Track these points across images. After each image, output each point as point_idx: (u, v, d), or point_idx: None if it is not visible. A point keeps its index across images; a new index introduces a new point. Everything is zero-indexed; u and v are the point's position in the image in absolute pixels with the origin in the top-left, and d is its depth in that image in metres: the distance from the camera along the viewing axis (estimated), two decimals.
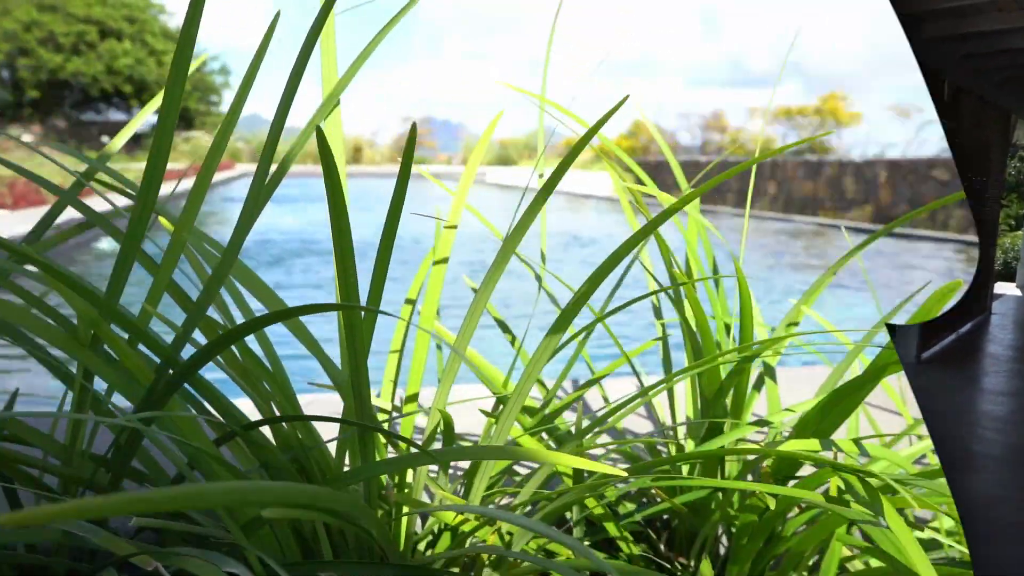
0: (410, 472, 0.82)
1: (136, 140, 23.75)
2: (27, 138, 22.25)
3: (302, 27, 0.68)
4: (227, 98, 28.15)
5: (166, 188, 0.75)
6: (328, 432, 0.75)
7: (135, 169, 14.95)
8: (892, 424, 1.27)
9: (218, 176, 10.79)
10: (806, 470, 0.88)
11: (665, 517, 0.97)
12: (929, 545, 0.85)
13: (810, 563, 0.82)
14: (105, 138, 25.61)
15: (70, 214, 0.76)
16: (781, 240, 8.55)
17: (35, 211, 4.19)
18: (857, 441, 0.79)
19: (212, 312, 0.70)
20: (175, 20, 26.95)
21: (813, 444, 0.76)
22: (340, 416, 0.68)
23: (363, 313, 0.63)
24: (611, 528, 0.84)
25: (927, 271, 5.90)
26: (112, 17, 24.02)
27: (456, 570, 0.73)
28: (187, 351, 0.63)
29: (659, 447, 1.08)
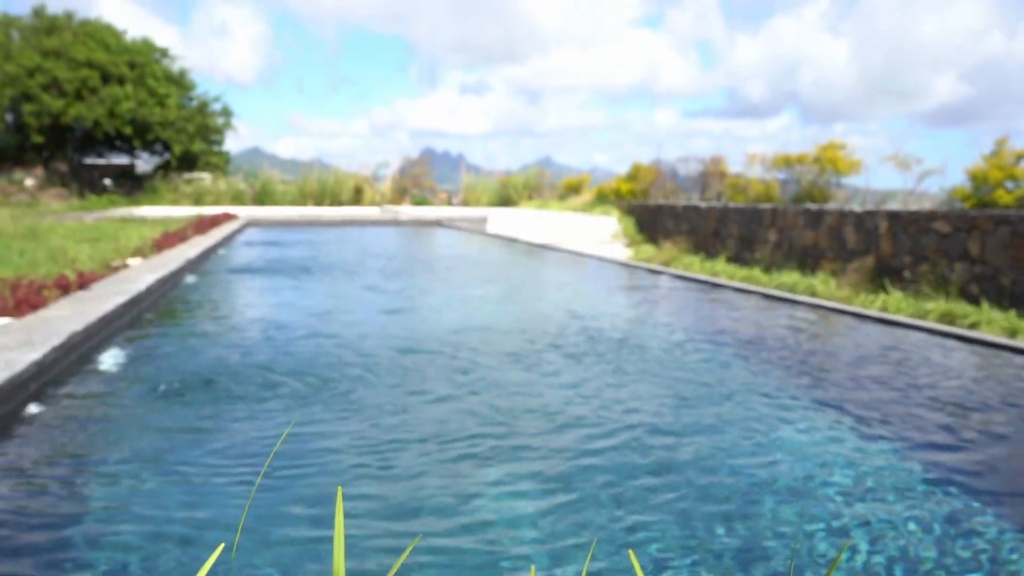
0: None
1: (138, 182, 24.03)
2: (30, 182, 22.40)
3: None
4: (229, 139, 28.37)
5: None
6: None
7: (137, 218, 14.86)
8: None
9: (220, 232, 10.74)
10: None
11: None
12: None
13: None
14: (107, 181, 25.77)
15: None
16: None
17: (38, 317, 4.13)
18: None
19: None
20: (177, 64, 27.27)
21: None
22: None
23: None
24: None
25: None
26: (114, 62, 24.30)
27: None
28: None
29: None
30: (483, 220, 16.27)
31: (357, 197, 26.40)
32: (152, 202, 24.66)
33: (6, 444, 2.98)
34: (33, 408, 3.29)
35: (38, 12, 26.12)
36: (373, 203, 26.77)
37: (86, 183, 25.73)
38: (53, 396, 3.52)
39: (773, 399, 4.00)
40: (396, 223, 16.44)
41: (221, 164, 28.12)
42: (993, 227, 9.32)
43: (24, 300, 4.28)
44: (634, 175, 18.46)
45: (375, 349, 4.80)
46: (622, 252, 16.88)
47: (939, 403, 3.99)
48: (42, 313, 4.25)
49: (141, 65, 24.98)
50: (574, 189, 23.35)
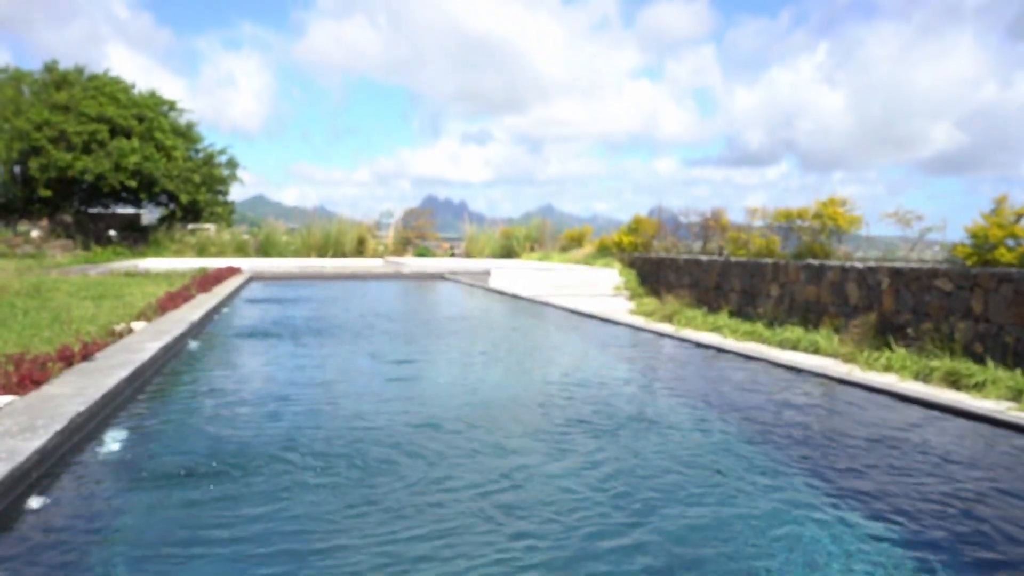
0: None
1: (142, 233, 24.13)
2: (35, 233, 22.53)
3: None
4: (234, 189, 28.62)
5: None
6: None
7: (141, 272, 14.89)
8: None
9: (222, 289, 10.75)
10: None
11: None
12: None
13: None
14: (112, 232, 25.94)
15: None
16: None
17: (41, 395, 4.11)
18: None
19: None
20: (184, 116, 27.69)
21: None
22: None
23: None
24: None
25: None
26: (123, 116, 24.67)
27: None
28: None
29: None
30: (485, 274, 16.18)
31: (360, 248, 26.52)
32: (156, 254, 24.78)
33: (5, 545, 2.90)
34: (34, 502, 3.24)
35: (49, 67, 26.63)
36: (376, 254, 26.88)
37: (91, 234, 25.89)
38: (55, 488, 3.45)
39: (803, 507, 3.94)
40: (399, 276, 16.46)
41: (225, 215, 28.32)
42: (996, 285, 9.32)
43: (27, 376, 4.27)
44: (635, 227, 18.58)
45: (382, 431, 4.75)
46: (624, 305, 16.87)
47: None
48: (45, 390, 4.23)
49: (149, 119, 25.36)
50: (576, 241, 23.45)
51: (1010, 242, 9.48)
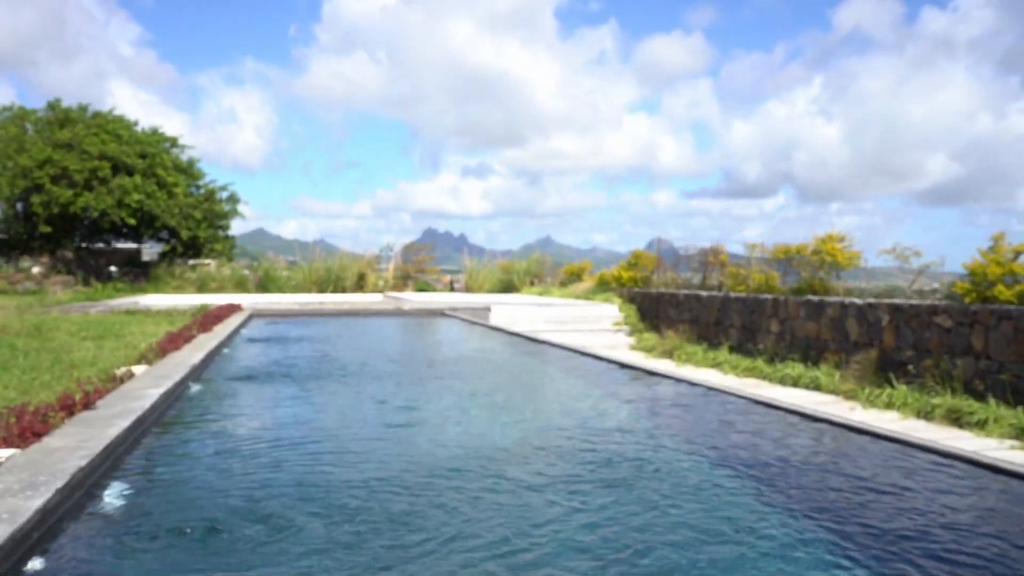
0: None
1: (143, 268, 24.13)
2: (36, 269, 22.55)
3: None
4: (236, 224, 28.71)
5: None
6: None
7: (142, 309, 14.85)
8: None
9: (222, 329, 10.72)
10: None
11: None
12: None
13: None
14: (113, 268, 25.97)
15: None
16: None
17: (43, 448, 4.08)
18: None
19: None
20: (186, 153, 27.90)
21: None
22: None
23: None
24: None
25: None
26: (126, 153, 24.84)
27: None
28: None
29: None
30: (486, 310, 16.11)
31: (360, 283, 26.55)
32: (157, 290, 24.79)
33: None
34: (35, 564, 3.20)
35: (52, 105, 26.89)
36: (376, 288, 26.89)
37: (92, 270, 25.92)
38: (55, 549, 3.39)
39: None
40: (399, 313, 16.44)
41: (226, 251, 28.40)
42: (995, 322, 9.33)
43: (29, 428, 4.25)
44: (635, 262, 18.61)
45: (386, 481, 4.70)
46: (625, 340, 16.83)
47: None
48: (47, 442, 4.21)
49: (151, 155, 25.53)
50: (575, 275, 23.47)
51: (1008, 279, 9.50)
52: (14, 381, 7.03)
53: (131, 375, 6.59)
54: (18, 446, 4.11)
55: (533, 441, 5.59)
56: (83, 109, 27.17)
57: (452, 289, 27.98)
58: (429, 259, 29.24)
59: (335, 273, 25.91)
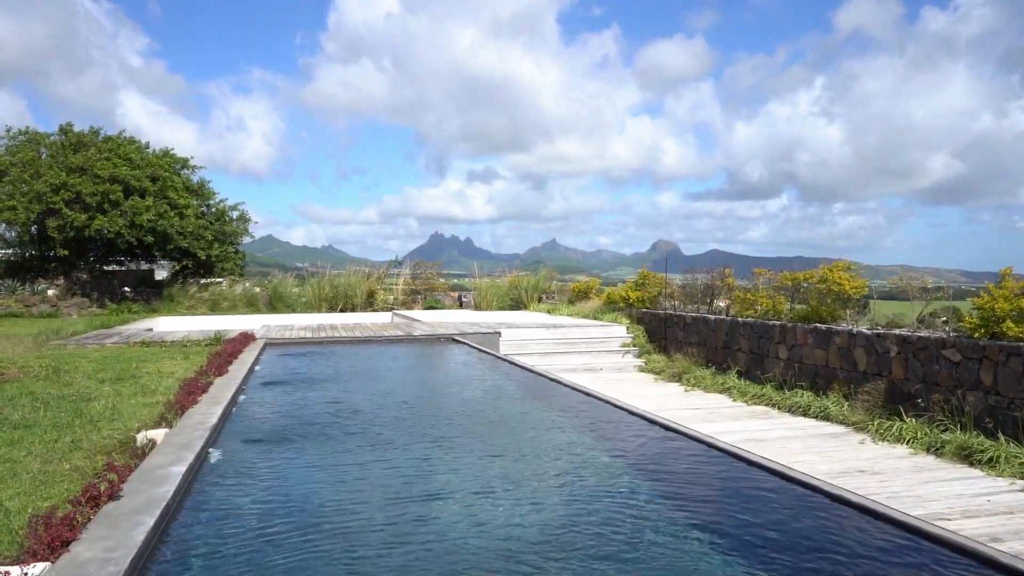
0: None
1: (156, 288, 24.19)
2: (51, 292, 22.62)
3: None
4: (246, 243, 28.74)
5: None
6: None
7: (156, 339, 14.85)
8: None
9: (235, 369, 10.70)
10: None
11: None
12: None
13: None
14: (126, 289, 26.05)
15: None
16: None
17: (72, 560, 4.07)
18: None
19: None
20: (197, 175, 27.97)
21: None
22: None
23: None
24: None
25: None
26: (137, 176, 24.90)
27: None
28: None
29: None
30: (495, 335, 16.07)
31: (370, 300, 26.55)
32: (170, 310, 24.87)
33: None
34: None
35: (64, 129, 26.97)
36: (386, 305, 26.87)
37: (106, 291, 26.00)
38: None
39: None
40: (410, 339, 16.41)
41: (236, 270, 28.47)
42: (1005, 358, 9.27)
43: (56, 537, 4.24)
44: (642, 282, 18.57)
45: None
46: (633, 362, 16.77)
47: None
48: (75, 552, 4.20)
49: (163, 178, 25.60)
50: (583, 293, 23.46)
51: (1016, 315, 9.44)
52: (37, 445, 7.06)
53: (152, 445, 6.60)
54: (48, 558, 4.10)
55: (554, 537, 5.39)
56: (95, 133, 27.25)
57: (460, 305, 28.01)
58: (436, 276, 29.26)
59: (343, 291, 25.93)
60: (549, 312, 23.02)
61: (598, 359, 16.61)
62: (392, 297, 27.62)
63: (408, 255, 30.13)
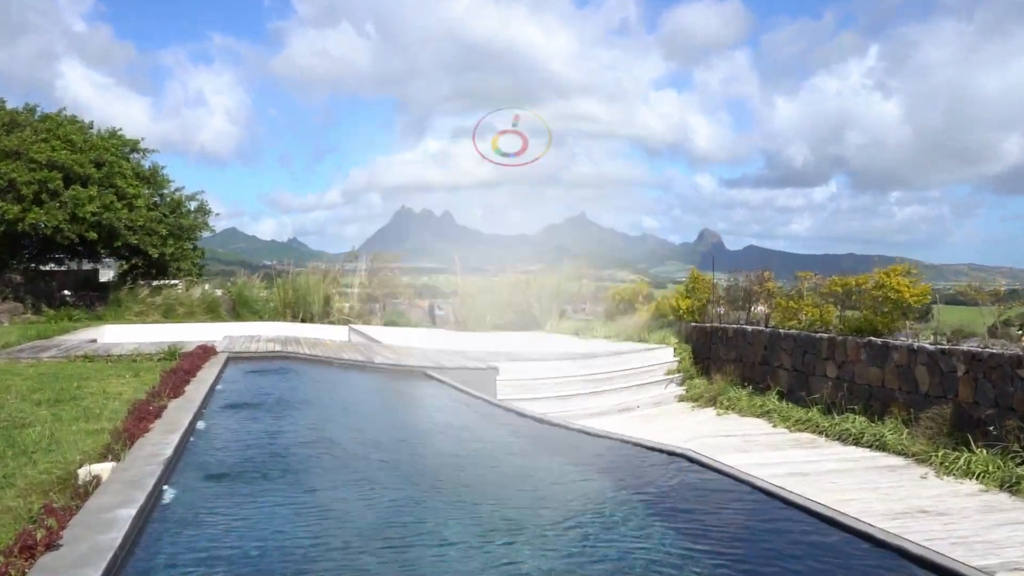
0: None
1: (101, 291, 24.17)
2: None
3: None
4: (204, 237, 28.78)
5: None
6: None
7: (102, 353, 14.81)
8: None
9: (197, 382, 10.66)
10: None
11: None
12: None
13: None
14: (67, 293, 26.06)
15: None
16: None
17: None
18: None
19: None
20: (148, 160, 27.96)
21: None
22: None
23: None
24: None
25: None
26: (79, 161, 24.88)
27: None
28: None
29: None
30: (491, 370, 13.69)
31: (327, 308, 26.09)
32: (117, 316, 24.87)
33: None
34: None
35: None
36: (341, 316, 25.93)
37: (42, 295, 26.02)
38: None
39: None
40: (371, 367, 14.52)
41: (195, 269, 28.46)
42: None
43: None
44: (692, 287, 18.02)
45: None
46: (675, 391, 16.32)
47: None
48: None
49: (109, 163, 25.57)
50: (627, 303, 20.45)
51: None
52: None
53: (97, 482, 6.59)
54: None
55: None
56: (31, 111, 27.27)
57: (433, 321, 26.34)
58: (396, 278, 27.42)
59: (302, 296, 25.72)
60: (576, 334, 20.09)
61: (637, 395, 15.26)
62: (348, 304, 26.16)
63: (365, 243, 29.50)
